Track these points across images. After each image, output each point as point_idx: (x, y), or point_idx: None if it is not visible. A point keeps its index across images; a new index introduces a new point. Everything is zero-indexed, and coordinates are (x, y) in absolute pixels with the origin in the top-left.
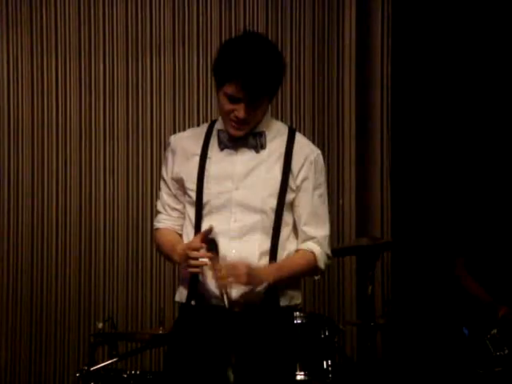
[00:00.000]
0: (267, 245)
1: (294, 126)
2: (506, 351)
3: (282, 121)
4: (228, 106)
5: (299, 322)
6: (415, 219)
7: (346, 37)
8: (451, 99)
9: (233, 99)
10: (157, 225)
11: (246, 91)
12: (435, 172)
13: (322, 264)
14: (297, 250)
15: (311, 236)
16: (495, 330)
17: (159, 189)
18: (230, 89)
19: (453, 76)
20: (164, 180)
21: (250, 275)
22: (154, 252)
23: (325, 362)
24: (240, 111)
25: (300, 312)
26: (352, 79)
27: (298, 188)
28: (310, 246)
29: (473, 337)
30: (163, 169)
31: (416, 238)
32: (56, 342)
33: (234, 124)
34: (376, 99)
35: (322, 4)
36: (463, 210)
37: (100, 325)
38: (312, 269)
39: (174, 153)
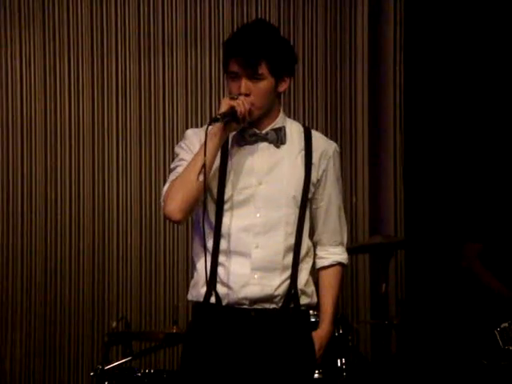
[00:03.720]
0: (291, 240)
1: (306, 125)
2: None
3: (294, 119)
4: (233, 88)
5: (313, 320)
6: (429, 217)
7: (358, 35)
8: (464, 97)
9: (234, 78)
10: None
11: (241, 62)
12: (449, 169)
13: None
14: (326, 268)
15: (339, 241)
16: (506, 324)
17: (171, 172)
18: (230, 67)
19: (465, 74)
20: (184, 161)
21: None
22: (168, 251)
23: (339, 361)
24: (241, 86)
25: (314, 310)
26: (365, 78)
27: (319, 181)
28: (337, 257)
29: (482, 329)
30: (181, 154)
31: (430, 236)
32: (70, 341)
33: None
34: (389, 98)
35: (335, 2)
36: (477, 203)
37: (114, 324)
38: (343, 276)
39: (193, 142)
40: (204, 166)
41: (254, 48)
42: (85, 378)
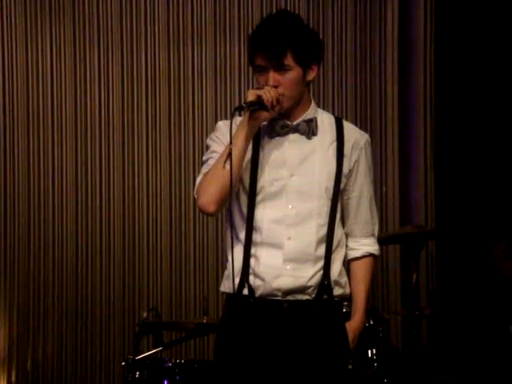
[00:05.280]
0: (324, 231)
1: (336, 114)
2: None
3: (324, 109)
4: (261, 81)
5: (344, 311)
6: (460, 207)
7: (388, 24)
8: (496, 86)
9: (261, 71)
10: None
11: (267, 56)
12: (479, 159)
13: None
14: (358, 259)
15: (370, 232)
16: None
17: (203, 164)
18: (256, 61)
19: (497, 62)
20: (215, 153)
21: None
22: (198, 241)
23: (370, 351)
24: (269, 79)
25: (345, 301)
26: (395, 66)
27: (350, 172)
28: (369, 248)
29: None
30: (213, 146)
31: (460, 226)
32: (101, 331)
33: None
34: (419, 86)
35: None
36: (506, 196)
37: (144, 314)
38: (374, 268)
39: (224, 134)
40: (230, 154)
41: (278, 40)
42: (116, 368)
